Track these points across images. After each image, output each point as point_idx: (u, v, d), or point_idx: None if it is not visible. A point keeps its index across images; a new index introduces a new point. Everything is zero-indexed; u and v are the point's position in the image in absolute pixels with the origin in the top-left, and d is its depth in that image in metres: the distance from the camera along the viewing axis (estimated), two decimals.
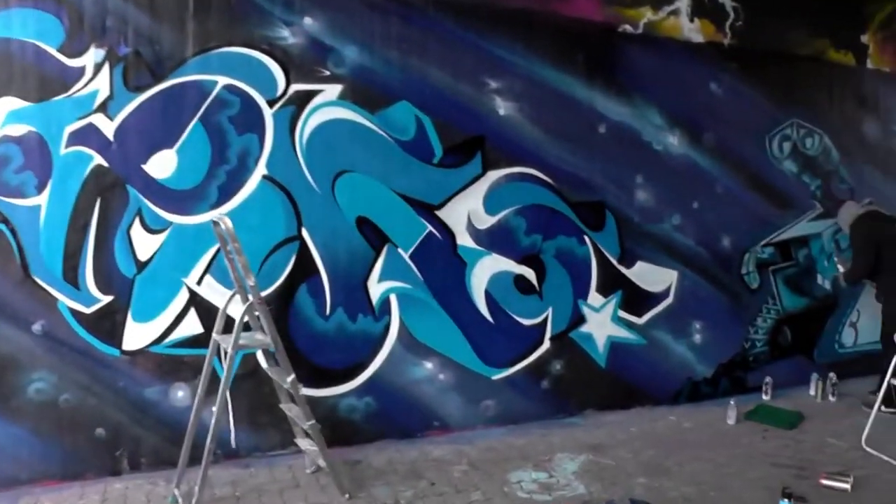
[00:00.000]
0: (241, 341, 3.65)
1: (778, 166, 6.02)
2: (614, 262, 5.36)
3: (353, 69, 4.55)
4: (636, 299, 5.46)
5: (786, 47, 6.04)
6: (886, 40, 6.64)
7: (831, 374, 6.00)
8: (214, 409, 3.59)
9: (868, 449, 4.82)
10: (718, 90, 5.70)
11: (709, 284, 5.73)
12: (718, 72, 5.70)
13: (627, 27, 5.35)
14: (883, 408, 5.48)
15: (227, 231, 3.52)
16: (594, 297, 5.31)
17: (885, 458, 4.69)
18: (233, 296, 3.85)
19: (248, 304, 3.66)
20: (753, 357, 6.01)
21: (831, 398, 5.93)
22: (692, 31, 5.61)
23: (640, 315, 5.49)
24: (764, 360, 6.07)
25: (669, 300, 5.58)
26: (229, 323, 3.79)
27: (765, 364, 6.07)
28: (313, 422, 3.78)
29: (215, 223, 3.70)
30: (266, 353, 4.06)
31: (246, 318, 3.65)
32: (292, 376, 3.75)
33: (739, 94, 5.79)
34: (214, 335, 3.84)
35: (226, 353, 3.61)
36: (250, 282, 3.60)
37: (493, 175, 4.97)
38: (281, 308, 4.40)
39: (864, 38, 6.53)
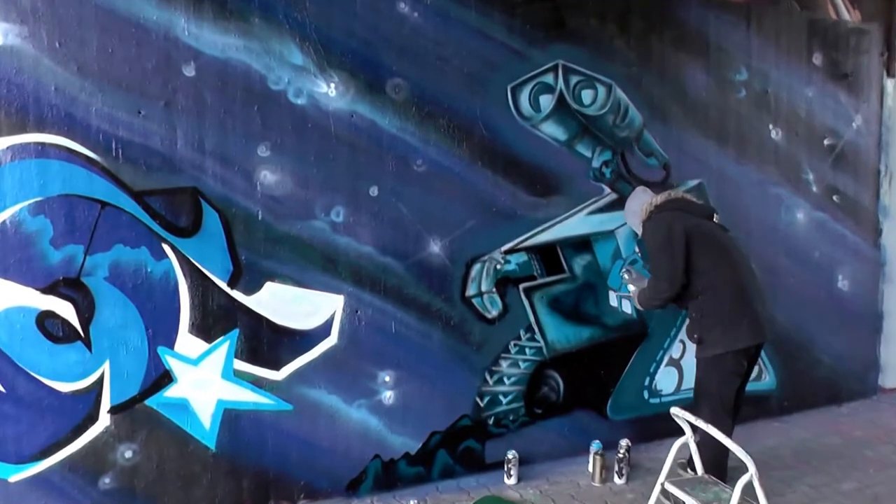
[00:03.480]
0: None
1: (532, 131, 4.14)
2: (222, 284, 3.51)
3: None
4: (268, 343, 3.61)
5: None
6: None
7: (623, 442, 4.15)
8: None
9: None
10: (414, 14, 3.82)
11: (407, 314, 3.87)
12: None
13: None
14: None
15: None
16: (188, 343, 3.47)
17: None
18: None
19: None
20: (496, 419, 4.15)
21: (618, 480, 4.08)
22: None
23: (276, 367, 3.64)
24: (516, 422, 4.21)
25: (332, 341, 3.72)
26: None
27: (519, 428, 4.21)
28: None
29: None
30: None
31: None
32: None
33: (454, 22, 3.91)
34: None
35: None
36: None
37: None
38: None
39: None
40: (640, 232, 3.96)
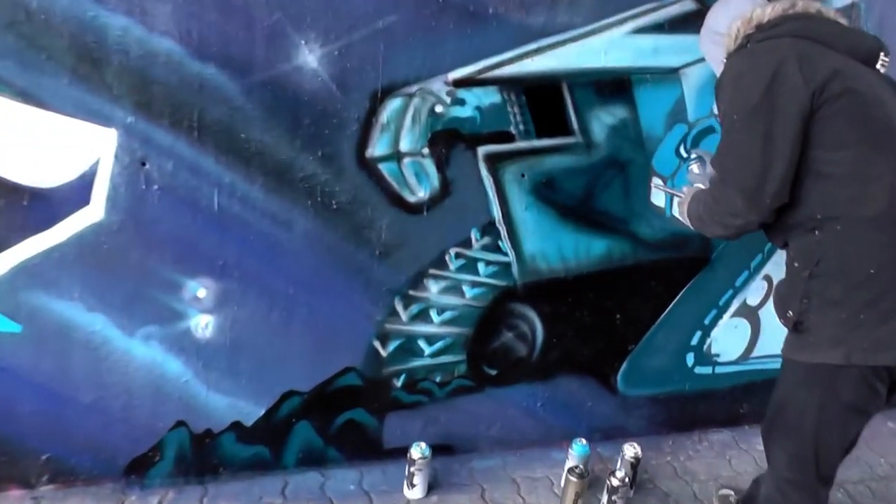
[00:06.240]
0: None
1: None
2: None
3: None
4: None
5: None
6: None
7: (627, 450, 2.54)
8: None
9: None
10: None
11: (244, 180, 2.18)
12: None
13: None
14: None
15: None
16: None
17: None
18: None
19: None
20: (409, 378, 2.54)
21: None
22: None
23: None
24: (447, 386, 2.60)
25: (94, 214, 2.10)
26: None
27: (452, 397, 2.61)
28: None
29: None
30: None
31: None
32: None
33: None
34: None
35: None
36: None
37: None
38: None
39: None
40: (716, 68, 2.05)
